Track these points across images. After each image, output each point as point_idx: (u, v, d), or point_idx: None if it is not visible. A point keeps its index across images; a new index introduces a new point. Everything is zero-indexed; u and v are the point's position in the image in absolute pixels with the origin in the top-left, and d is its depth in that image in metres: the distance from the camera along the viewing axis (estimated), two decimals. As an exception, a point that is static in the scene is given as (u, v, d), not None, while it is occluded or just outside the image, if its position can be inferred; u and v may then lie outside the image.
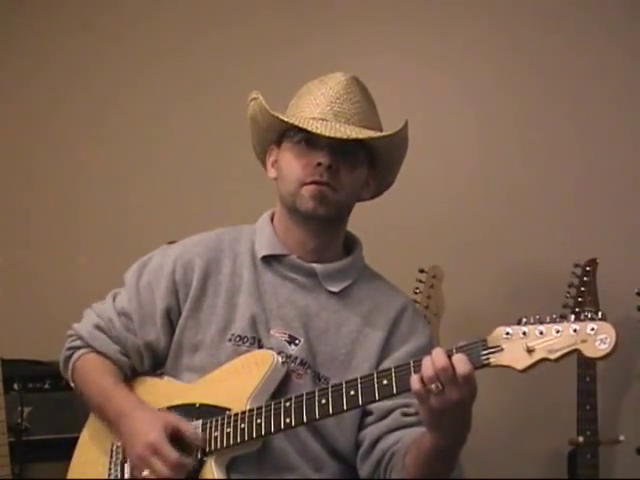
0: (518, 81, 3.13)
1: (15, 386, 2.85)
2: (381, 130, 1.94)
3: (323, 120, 1.86)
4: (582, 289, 2.74)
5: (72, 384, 2.03)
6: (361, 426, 1.87)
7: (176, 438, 1.79)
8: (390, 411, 1.84)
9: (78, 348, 2.00)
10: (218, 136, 3.31)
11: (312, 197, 1.87)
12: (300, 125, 1.86)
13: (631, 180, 3.02)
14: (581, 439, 2.66)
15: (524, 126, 3.12)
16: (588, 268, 2.76)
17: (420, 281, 2.84)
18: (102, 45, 3.54)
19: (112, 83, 3.52)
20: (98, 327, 1.98)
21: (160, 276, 1.96)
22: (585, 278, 2.75)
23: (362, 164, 1.93)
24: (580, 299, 2.73)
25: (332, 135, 1.83)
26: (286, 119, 1.88)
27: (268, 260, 1.95)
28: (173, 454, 1.75)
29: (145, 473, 1.77)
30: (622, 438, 2.71)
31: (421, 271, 2.85)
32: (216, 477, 1.77)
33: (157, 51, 3.49)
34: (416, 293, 2.81)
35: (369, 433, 1.85)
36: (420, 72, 3.24)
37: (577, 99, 3.08)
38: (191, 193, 3.39)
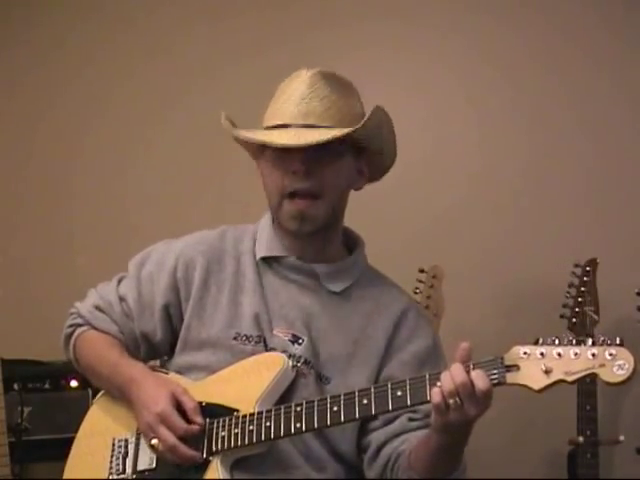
0: (520, 82, 3.14)
1: (15, 386, 2.85)
2: (362, 116, 1.86)
3: (288, 126, 1.83)
4: (582, 289, 2.74)
5: (74, 361, 2.05)
6: (366, 431, 1.86)
7: (179, 408, 1.82)
8: (396, 416, 1.82)
9: (79, 325, 2.02)
10: (218, 135, 3.30)
11: (292, 218, 1.85)
12: (261, 141, 1.84)
13: (631, 180, 3.02)
14: (581, 439, 2.66)
15: (525, 127, 3.13)
16: (588, 268, 2.76)
17: (420, 281, 2.84)
18: (100, 42, 3.54)
19: (111, 83, 3.52)
20: (98, 308, 2.01)
21: (161, 270, 1.97)
22: (585, 278, 2.75)
23: (344, 156, 1.87)
24: (580, 299, 2.73)
25: (294, 144, 1.78)
26: (247, 137, 1.87)
27: (268, 261, 1.95)
28: (180, 423, 1.79)
29: (154, 442, 1.80)
30: (622, 438, 2.70)
31: (421, 271, 2.85)
32: (221, 477, 1.77)
33: (154, 48, 3.48)
34: (416, 293, 2.80)
35: (375, 438, 1.84)
36: (422, 71, 3.24)
37: (578, 100, 3.08)
38: (191, 194, 3.39)
